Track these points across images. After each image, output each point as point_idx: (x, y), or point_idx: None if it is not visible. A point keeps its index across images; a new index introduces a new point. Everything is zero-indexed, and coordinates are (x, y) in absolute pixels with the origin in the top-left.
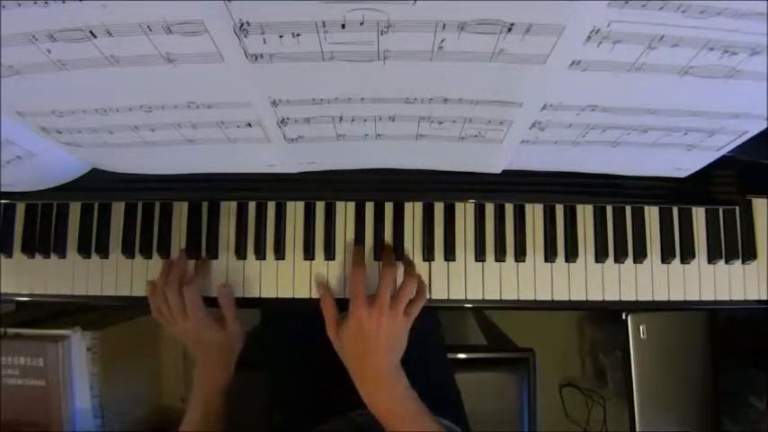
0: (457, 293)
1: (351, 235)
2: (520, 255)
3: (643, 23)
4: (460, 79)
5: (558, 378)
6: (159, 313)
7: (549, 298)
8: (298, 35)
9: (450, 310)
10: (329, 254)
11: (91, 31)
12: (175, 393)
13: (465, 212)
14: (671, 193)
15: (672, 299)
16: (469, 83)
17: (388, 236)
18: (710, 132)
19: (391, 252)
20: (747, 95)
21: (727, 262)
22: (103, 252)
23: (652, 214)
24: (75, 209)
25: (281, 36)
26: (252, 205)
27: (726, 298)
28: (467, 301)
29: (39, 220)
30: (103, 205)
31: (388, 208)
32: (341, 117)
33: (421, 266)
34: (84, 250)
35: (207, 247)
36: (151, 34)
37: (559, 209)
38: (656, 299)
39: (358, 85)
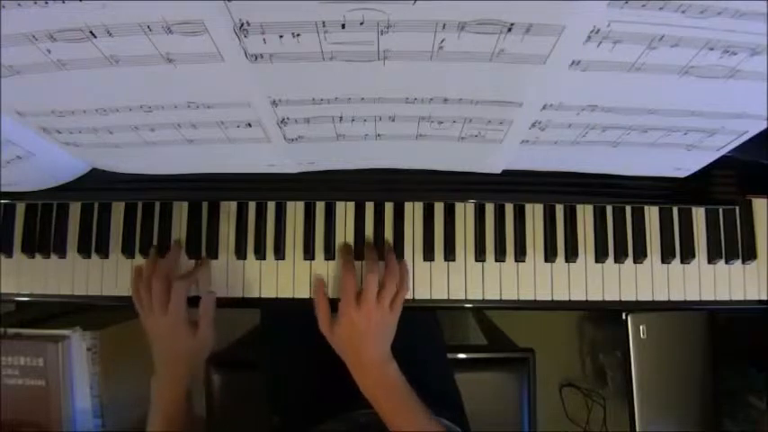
0: (457, 293)
1: (351, 235)
2: (520, 255)
3: (643, 23)
4: (460, 79)
5: (558, 378)
6: (138, 300)
7: (549, 298)
8: (298, 35)
9: (451, 310)
10: (329, 254)
11: (91, 31)
12: None
13: (465, 212)
14: (671, 193)
15: (672, 299)
16: (469, 83)
17: (388, 236)
18: (710, 132)
19: (373, 249)
20: (747, 95)
21: (727, 262)
22: (103, 252)
23: (652, 214)
24: (75, 209)
25: (281, 36)
26: (252, 205)
27: (726, 298)
28: (467, 301)
29: (39, 220)
30: (103, 205)
31: (388, 208)
32: (341, 117)
33: (421, 266)
34: (84, 250)
35: (207, 247)
36: (151, 34)
37: (559, 209)
38: (656, 299)
39: (358, 85)
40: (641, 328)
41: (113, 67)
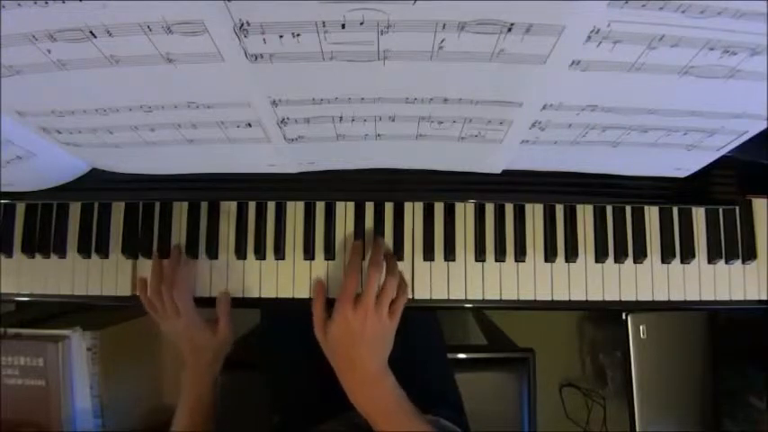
0: (457, 293)
1: (351, 235)
2: (520, 255)
3: (643, 23)
4: (460, 79)
5: (558, 378)
6: (153, 310)
7: (549, 298)
8: (298, 35)
9: (450, 310)
10: (329, 254)
11: (91, 31)
12: (175, 393)
13: (465, 212)
14: (671, 193)
15: (672, 299)
16: (469, 83)
17: (388, 236)
18: (710, 132)
19: (380, 252)
20: (747, 95)
21: (726, 262)
22: (103, 252)
23: (652, 214)
24: (75, 209)
25: (281, 36)
26: (252, 205)
27: (726, 298)
28: (467, 301)
29: (39, 220)
30: (103, 205)
31: (388, 208)
32: (341, 117)
33: (421, 266)
34: (84, 250)
35: (207, 247)
36: (151, 34)
37: (559, 209)
38: (656, 299)
39: (358, 85)
40: (641, 328)
41: (113, 67)
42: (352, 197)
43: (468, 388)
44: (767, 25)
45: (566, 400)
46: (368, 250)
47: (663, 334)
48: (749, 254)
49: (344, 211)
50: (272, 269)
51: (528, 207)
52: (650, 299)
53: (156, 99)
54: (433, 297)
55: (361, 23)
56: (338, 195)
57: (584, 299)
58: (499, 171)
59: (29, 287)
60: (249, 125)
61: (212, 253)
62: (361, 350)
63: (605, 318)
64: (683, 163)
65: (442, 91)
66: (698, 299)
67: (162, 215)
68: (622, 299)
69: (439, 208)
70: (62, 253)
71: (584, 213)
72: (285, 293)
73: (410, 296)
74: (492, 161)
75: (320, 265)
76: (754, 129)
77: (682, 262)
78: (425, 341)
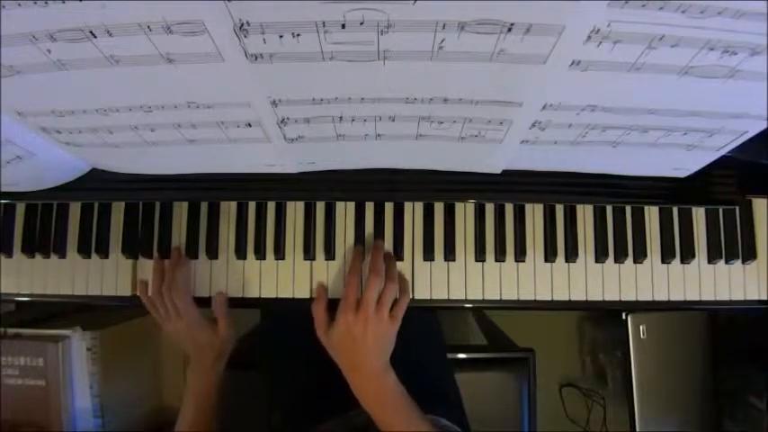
0: (457, 293)
1: (351, 235)
2: (520, 255)
3: (643, 23)
4: (460, 79)
5: (558, 378)
6: (156, 312)
7: (549, 298)
8: (298, 35)
9: (450, 310)
10: (329, 254)
11: (91, 31)
12: (175, 393)
13: (465, 212)
14: (671, 193)
15: (672, 299)
16: (469, 83)
17: (388, 236)
18: (710, 132)
19: (379, 257)
20: (747, 95)
21: (726, 262)
22: (103, 252)
23: (652, 214)
24: (75, 209)
25: (281, 36)
26: (252, 205)
27: (726, 298)
28: (467, 301)
29: (39, 220)
30: (103, 205)
31: (388, 208)
32: (341, 117)
33: (421, 266)
34: (84, 250)
35: (207, 247)
36: (151, 34)
37: (559, 209)
38: (656, 299)
39: (358, 85)
40: (641, 328)
41: (113, 67)
42: (352, 197)
43: (468, 388)
44: (767, 25)
45: (566, 400)
46: (368, 254)
47: (663, 334)
48: (749, 254)
49: (344, 211)
50: (272, 269)
51: (528, 207)
52: (650, 299)
53: (157, 99)
54: (433, 297)
55: (361, 23)
56: (338, 195)
57: (584, 299)
58: (499, 171)
59: (29, 287)
60: (249, 125)
61: (212, 253)
62: (362, 352)
63: (605, 318)
64: (682, 163)
65: (442, 91)
66: (698, 299)
67: (162, 215)
68: (622, 299)
69: (439, 208)
70: (62, 253)
71: (584, 213)
72: (285, 293)
73: (410, 297)
74: (492, 161)
75: (320, 265)
76: (754, 129)
77: (682, 262)
78: (425, 341)
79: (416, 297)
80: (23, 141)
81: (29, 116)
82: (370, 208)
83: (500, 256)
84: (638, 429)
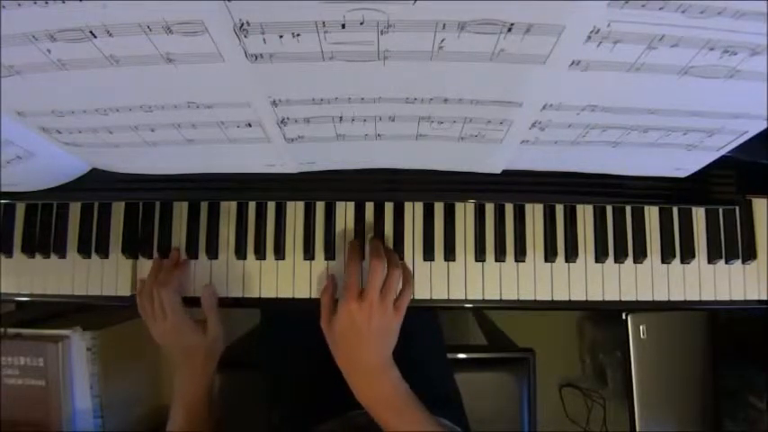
0: (457, 293)
1: (351, 235)
2: (520, 255)
3: (643, 23)
4: (460, 79)
5: (558, 378)
6: (144, 311)
7: (549, 298)
8: (298, 35)
9: (450, 310)
10: (329, 254)
11: (91, 31)
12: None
13: (465, 212)
14: (671, 193)
15: (672, 299)
16: (469, 83)
17: (389, 236)
18: (710, 132)
19: (379, 246)
20: (747, 95)
21: (727, 262)
22: (103, 252)
23: (652, 214)
24: (75, 209)
25: (281, 36)
26: (252, 205)
27: (726, 298)
28: (467, 301)
29: (39, 220)
30: (103, 205)
31: (388, 208)
32: (341, 117)
33: (421, 266)
34: (84, 250)
35: (207, 247)
36: (151, 34)
37: (559, 209)
38: (656, 299)
39: (358, 85)
40: (641, 328)
41: (113, 67)
42: (352, 197)
43: (468, 388)
44: (767, 25)
45: (566, 400)
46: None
47: (663, 334)
48: (749, 254)
49: (344, 211)
50: (272, 269)
51: (528, 207)
52: (650, 299)
53: (156, 99)
54: (433, 297)
55: (361, 23)
56: (338, 195)
57: (584, 299)
58: (499, 171)
59: (29, 287)
60: (249, 125)
61: (212, 253)
62: (364, 344)
63: (605, 318)
64: (683, 163)
65: (442, 91)
66: (698, 299)
67: (162, 215)
68: (622, 299)
69: (439, 208)
70: (62, 253)
71: (584, 213)
72: (285, 293)
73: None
74: (492, 161)
75: (320, 265)
76: (754, 129)
77: (682, 262)
78: (425, 341)
79: (416, 297)
80: (23, 141)
81: (29, 116)
82: (370, 208)
83: (500, 256)
84: (638, 429)
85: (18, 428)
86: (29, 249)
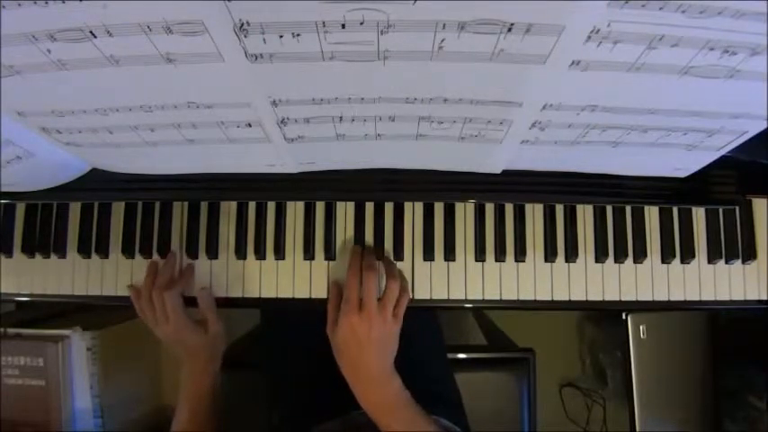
0: (457, 293)
1: (351, 235)
2: (520, 255)
3: (643, 23)
4: (460, 79)
5: (558, 378)
6: (144, 315)
7: (549, 298)
8: (298, 35)
9: (450, 310)
10: (329, 254)
11: (91, 31)
12: (175, 393)
13: (465, 212)
14: (671, 193)
15: (672, 299)
16: (469, 83)
17: (388, 236)
18: (710, 132)
19: (372, 255)
20: (747, 95)
21: (727, 262)
22: (103, 252)
23: (652, 214)
24: (75, 209)
25: (281, 36)
26: (252, 205)
27: (726, 298)
28: (467, 301)
29: (39, 220)
30: (103, 205)
31: (388, 208)
32: (341, 117)
33: (421, 266)
34: (84, 250)
35: (207, 247)
36: (151, 34)
37: (559, 209)
38: (656, 299)
39: (358, 85)
40: (641, 328)
41: (113, 67)
42: (352, 197)
43: (468, 388)
44: (767, 25)
45: (566, 400)
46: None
47: (663, 334)
48: (749, 254)
49: (344, 211)
50: (272, 269)
51: (528, 207)
52: (650, 299)
53: (156, 99)
54: (433, 297)
55: (361, 23)
56: (338, 195)
57: (584, 299)
58: (499, 171)
59: (29, 287)
60: (249, 125)
61: (212, 253)
62: (366, 354)
63: (605, 318)
64: (683, 163)
65: (441, 91)
66: (698, 299)
67: (162, 215)
68: (622, 299)
69: (439, 208)
70: (62, 253)
71: (584, 213)
72: (285, 293)
73: (410, 296)
74: (492, 161)
75: (320, 265)
76: (754, 129)
77: (682, 262)
78: (425, 341)
79: (416, 297)
80: (23, 141)
81: (29, 116)
82: (370, 208)
83: (500, 256)
84: (638, 429)
85: (18, 428)
86: (29, 249)
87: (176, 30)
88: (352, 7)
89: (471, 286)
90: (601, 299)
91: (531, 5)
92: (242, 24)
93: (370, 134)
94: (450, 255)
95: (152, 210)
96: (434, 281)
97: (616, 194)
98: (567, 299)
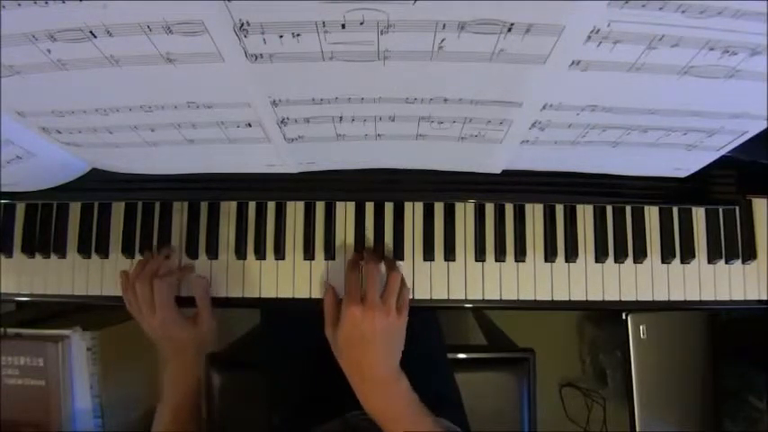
0: (457, 293)
1: (351, 235)
2: (520, 255)
3: (643, 23)
4: (460, 79)
5: (558, 378)
6: (130, 305)
7: (549, 298)
8: (298, 35)
9: (450, 310)
10: (329, 254)
11: (91, 31)
12: None
13: (465, 212)
14: (671, 193)
15: (672, 299)
16: (469, 83)
17: (388, 236)
18: (710, 132)
19: (373, 250)
20: (747, 95)
21: (727, 262)
22: (103, 252)
23: (652, 214)
24: (75, 209)
25: (281, 36)
26: (252, 205)
27: (726, 298)
28: (467, 301)
29: (39, 220)
30: (103, 205)
31: (388, 208)
32: (341, 117)
33: (421, 266)
34: (84, 250)
35: (207, 247)
36: (151, 34)
37: (559, 209)
38: (656, 299)
39: (358, 85)
40: (641, 328)
41: (113, 68)
42: (352, 197)
43: (468, 388)
44: (767, 25)
45: (566, 400)
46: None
47: (663, 334)
48: (749, 254)
49: (344, 211)
50: (272, 269)
51: (528, 207)
52: (650, 299)
53: (157, 99)
54: (433, 297)
55: (361, 23)
56: (338, 195)
57: (584, 299)
58: (499, 171)
59: (29, 287)
60: (249, 125)
61: (212, 253)
62: (372, 352)
63: (605, 318)
64: (683, 163)
65: (442, 91)
66: (698, 299)
67: (162, 215)
68: (622, 299)
69: (439, 208)
70: (62, 253)
71: (584, 213)
72: (285, 293)
73: (410, 297)
74: (492, 161)
75: (320, 265)
76: (754, 129)
77: (682, 262)
78: (425, 341)
79: (416, 297)
80: (23, 141)
81: (29, 116)
82: (370, 208)
83: (500, 256)
84: (638, 429)
85: (18, 428)
86: (29, 249)
87: (176, 30)
88: (352, 7)
89: (471, 286)
90: (601, 299)
91: (531, 5)
92: (242, 24)
93: (370, 134)
94: (450, 255)
95: (152, 210)
96: (434, 281)
97: (616, 194)
98: (567, 299)
